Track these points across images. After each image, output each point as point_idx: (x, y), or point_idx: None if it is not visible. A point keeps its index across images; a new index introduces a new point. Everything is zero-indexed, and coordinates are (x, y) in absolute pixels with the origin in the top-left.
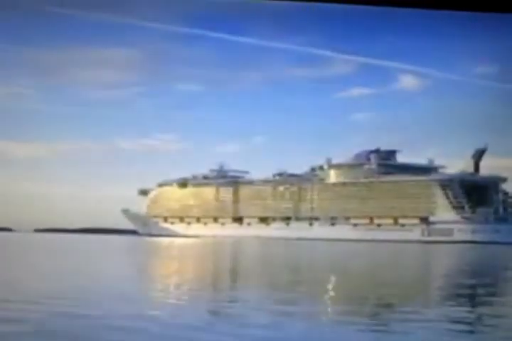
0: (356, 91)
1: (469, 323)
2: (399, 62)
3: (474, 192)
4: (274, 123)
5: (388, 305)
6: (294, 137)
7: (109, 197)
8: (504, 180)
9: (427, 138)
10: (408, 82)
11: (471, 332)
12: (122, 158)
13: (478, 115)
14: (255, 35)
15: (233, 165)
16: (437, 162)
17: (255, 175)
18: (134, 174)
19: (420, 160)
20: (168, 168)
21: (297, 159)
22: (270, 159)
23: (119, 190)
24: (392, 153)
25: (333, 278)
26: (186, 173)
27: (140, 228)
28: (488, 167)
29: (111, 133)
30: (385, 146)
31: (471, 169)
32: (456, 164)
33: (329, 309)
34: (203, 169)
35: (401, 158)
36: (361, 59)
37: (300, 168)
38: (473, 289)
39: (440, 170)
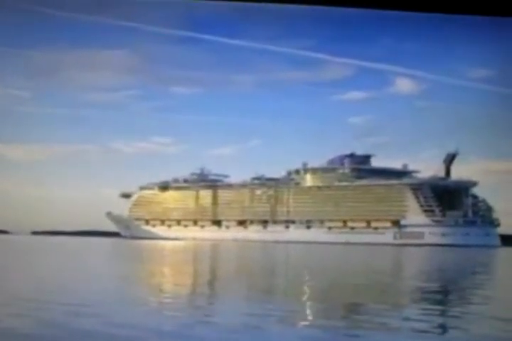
0: (352, 95)
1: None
2: (395, 65)
3: (445, 196)
4: (270, 126)
5: (344, 307)
6: (290, 140)
7: (106, 199)
8: (474, 184)
9: (424, 141)
10: (404, 85)
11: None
12: (119, 160)
13: (477, 118)
14: (251, 37)
15: (228, 169)
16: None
17: (244, 178)
18: (131, 177)
19: (415, 163)
20: (164, 170)
21: (293, 162)
22: (266, 162)
23: (115, 193)
24: (366, 158)
25: (300, 281)
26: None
27: (122, 230)
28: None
29: (107, 135)
30: (380, 149)
31: (442, 173)
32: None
33: (292, 311)
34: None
35: (380, 162)
36: (357, 62)
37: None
38: (427, 294)
39: (414, 175)
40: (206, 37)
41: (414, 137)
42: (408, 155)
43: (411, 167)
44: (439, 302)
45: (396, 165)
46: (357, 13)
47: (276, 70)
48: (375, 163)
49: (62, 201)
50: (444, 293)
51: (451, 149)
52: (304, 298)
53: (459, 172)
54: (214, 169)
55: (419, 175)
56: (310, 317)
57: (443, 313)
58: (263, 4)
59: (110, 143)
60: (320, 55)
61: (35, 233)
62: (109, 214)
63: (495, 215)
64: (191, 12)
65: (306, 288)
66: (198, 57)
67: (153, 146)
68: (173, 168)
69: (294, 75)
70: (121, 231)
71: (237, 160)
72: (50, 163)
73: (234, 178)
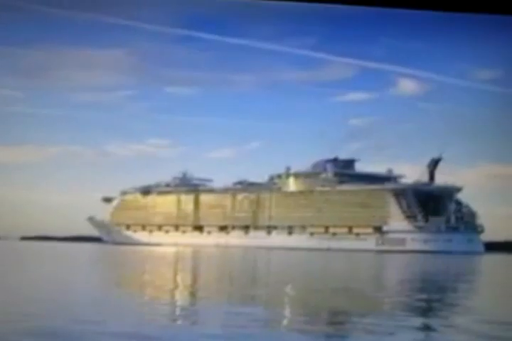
0: (354, 96)
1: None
2: (398, 65)
3: (428, 202)
4: (270, 128)
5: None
6: (290, 142)
7: (100, 203)
8: (458, 190)
9: (426, 144)
10: (407, 86)
11: None
12: (114, 163)
13: (483, 121)
14: (250, 36)
15: (228, 172)
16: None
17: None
18: (126, 180)
19: (416, 167)
20: (160, 173)
21: (295, 164)
22: (266, 165)
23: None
24: (350, 163)
25: (280, 289)
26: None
27: (104, 236)
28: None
29: (102, 137)
30: (384, 152)
31: (425, 178)
32: (456, 171)
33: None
34: (196, 175)
35: (373, 167)
36: (359, 62)
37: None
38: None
39: (399, 180)
40: (204, 35)
41: (415, 140)
42: (410, 159)
43: (408, 171)
44: (415, 314)
45: (394, 169)
46: (359, 12)
47: (276, 70)
48: (367, 167)
49: (53, 205)
50: (422, 304)
51: (454, 153)
52: (284, 306)
53: (463, 177)
54: (211, 172)
55: (404, 181)
56: (288, 326)
57: (419, 326)
58: (263, 2)
59: (104, 145)
60: (321, 55)
61: (24, 238)
62: (90, 219)
63: (479, 221)
64: (189, 10)
65: (285, 297)
66: (195, 57)
67: (149, 149)
68: (169, 171)
69: (294, 75)
70: (103, 237)
71: (236, 163)
72: (41, 166)
73: (222, 182)
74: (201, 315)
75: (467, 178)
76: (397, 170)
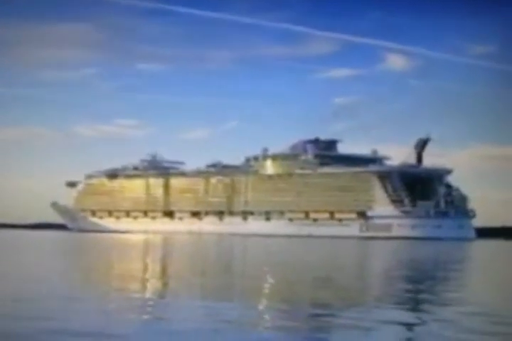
0: (338, 73)
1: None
2: (386, 40)
3: (416, 185)
4: (247, 107)
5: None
6: (270, 122)
7: (64, 188)
8: (448, 172)
9: (417, 124)
10: (395, 62)
11: None
12: (79, 145)
13: (478, 99)
14: (225, 9)
15: (201, 154)
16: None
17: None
18: (92, 163)
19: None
20: (129, 156)
21: (273, 145)
22: (243, 146)
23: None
24: (332, 143)
25: (257, 279)
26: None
27: (69, 222)
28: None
29: (66, 118)
30: (369, 133)
31: (412, 160)
32: (446, 152)
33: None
34: (168, 157)
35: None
36: (344, 37)
37: None
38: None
39: (384, 162)
40: (177, 9)
41: (405, 119)
42: (397, 139)
43: (394, 153)
44: (401, 307)
45: (380, 150)
46: None
47: (255, 46)
48: (350, 148)
49: (13, 190)
50: (409, 295)
51: (448, 134)
52: (260, 299)
53: (454, 158)
54: (183, 154)
55: (390, 163)
56: (264, 322)
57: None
58: None
59: (69, 126)
60: (302, 29)
61: None
62: (54, 205)
63: (470, 206)
64: None
65: (262, 288)
66: (167, 31)
67: (117, 129)
68: (138, 153)
69: (274, 51)
70: (67, 224)
71: (210, 144)
72: (2, 148)
73: (194, 165)
74: (170, 310)
75: (458, 160)
76: (382, 152)
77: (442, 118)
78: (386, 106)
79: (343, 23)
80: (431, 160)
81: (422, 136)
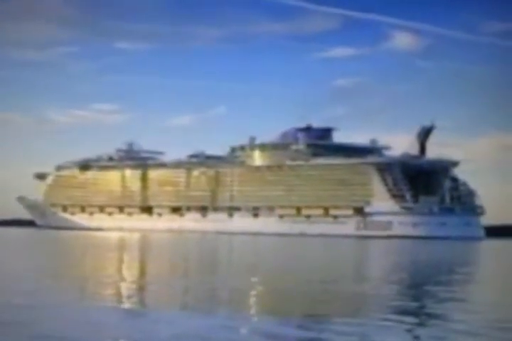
0: (338, 52)
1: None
2: (391, 16)
3: (418, 178)
4: (235, 90)
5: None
6: (262, 107)
7: (32, 180)
8: (455, 164)
9: (426, 108)
10: (402, 40)
11: None
12: (50, 132)
13: (491, 82)
14: None
15: (183, 143)
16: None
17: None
18: (64, 153)
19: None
20: (105, 145)
21: (261, 133)
22: (230, 135)
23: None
24: (326, 132)
25: (243, 284)
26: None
27: (38, 219)
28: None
29: (38, 102)
30: (368, 119)
31: (415, 151)
32: (453, 141)
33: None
34: (148, 146)
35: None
36: (345, 12)
37: None
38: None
39: (384, 152)
40: None
41: (411, 104)
42: (400, 127)
43: (395, 142)
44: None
45: (379, 140)
46: None
47: (245, 22)
48: (347, 137)
49: None
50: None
51: (451, 120)
52: (247, 306)
53: (462, 148)
54: (162, 143)
55: (390, 153)
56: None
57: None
58: None
59: (40, 110)
60: (299, 3)
61: None
62: (21, 199)
63: (478, 202)
64: None
65: (249, 293)
66: (150, 6)
67: (93, 115)
68: (114, 142)
69: (266, 28)
70: (36, 220)
71: (193, 132)
72: None
73: (175, 155)
74: (147, 317)
75: (466, 150)
76: (386, 140)
77: (450, 103)
78: (391, 89)
79: None
80: (435, 150)
81: (426, 122)
